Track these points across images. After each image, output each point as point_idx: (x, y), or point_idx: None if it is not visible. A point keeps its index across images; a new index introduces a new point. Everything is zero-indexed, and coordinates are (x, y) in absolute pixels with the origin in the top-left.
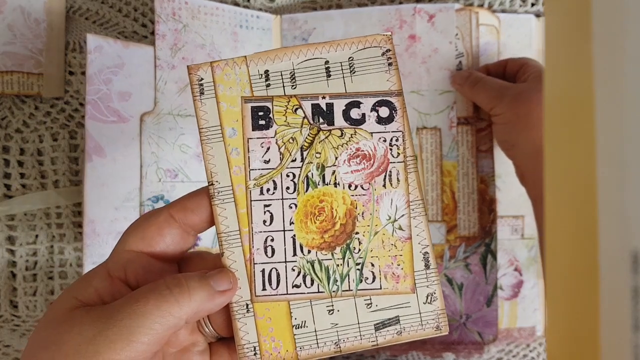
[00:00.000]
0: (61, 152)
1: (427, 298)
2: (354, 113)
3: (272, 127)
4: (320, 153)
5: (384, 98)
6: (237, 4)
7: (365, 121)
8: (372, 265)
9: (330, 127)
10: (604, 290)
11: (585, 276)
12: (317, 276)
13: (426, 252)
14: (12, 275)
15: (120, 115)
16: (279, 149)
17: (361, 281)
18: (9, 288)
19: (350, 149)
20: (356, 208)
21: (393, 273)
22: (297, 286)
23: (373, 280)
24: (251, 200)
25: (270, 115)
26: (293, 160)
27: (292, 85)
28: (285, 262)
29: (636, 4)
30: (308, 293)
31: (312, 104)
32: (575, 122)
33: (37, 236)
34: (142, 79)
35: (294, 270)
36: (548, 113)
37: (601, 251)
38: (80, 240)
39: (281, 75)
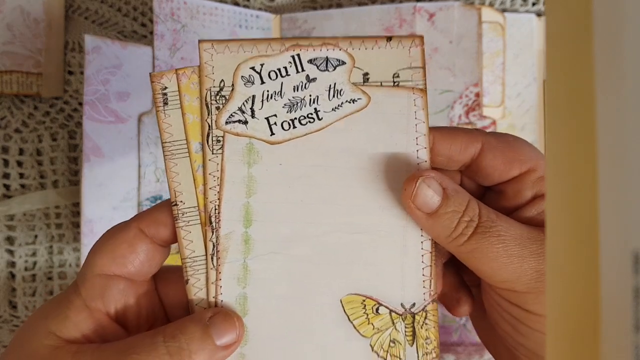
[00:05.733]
0: (60, 152)
1: None
2: None
3: None
4: None
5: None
6: (236, 4)
7: None
8: None
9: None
10: (605, 290)
11: (585, 276)
12: None
13: None
14: (11, 275)
15: (118, 116)
16: None
17: None
18: (8, 288)
19: None
20: None
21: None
22: None
23: None
24: None
25: None
26: None
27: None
28: None
29: (636, 3)
30: None
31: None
32: (576, 122)
33: (36, 236)
34: (141, 79)
35: None
36: (549, 113)
37: (602, 251)
38: (80, 240)
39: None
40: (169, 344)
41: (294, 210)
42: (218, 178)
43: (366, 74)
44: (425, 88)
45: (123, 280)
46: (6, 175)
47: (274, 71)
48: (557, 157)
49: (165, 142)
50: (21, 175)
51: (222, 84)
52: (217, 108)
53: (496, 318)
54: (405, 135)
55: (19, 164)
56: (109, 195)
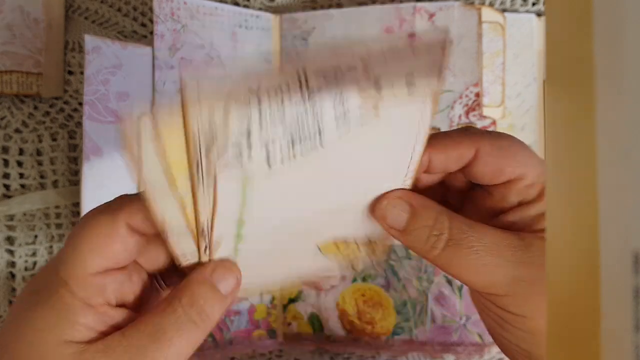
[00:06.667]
0: (60, 152)
1: None
2: None
3: None
4: None
5: None
6: (237, 4)
7: None
8: None
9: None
10: (605, 290)
11: (586, 276)
12: None
13: None
14: (11, 275)
15: (118, 116)
16: None
17: None
18: (8, 289)
19: None
20: None
21: None
22: None
23: None
24: None
25: None
26: None
27: None
28: None
29: (636, 3)
30: None
31: None
32: (576, 122)
33: (36, 236)
34: (141, 79)
35: None
36: (549, 113)
37: (602, 251)
38: None
39: None
40: (192, 314)
41: (286, 212)
42: (211, 203)
43: (377, 78)
44: (440, 90)
45: (117, 272)
46: (6, 175)
47: (271, 100)
48: (557, 158)
49: (147, 180)
50: (21, 175)
51: (211, 118)
52: (207, 145)
53: (483, 316)
54: (411, 143)
55: (19, 164)
56: (109, 196)
